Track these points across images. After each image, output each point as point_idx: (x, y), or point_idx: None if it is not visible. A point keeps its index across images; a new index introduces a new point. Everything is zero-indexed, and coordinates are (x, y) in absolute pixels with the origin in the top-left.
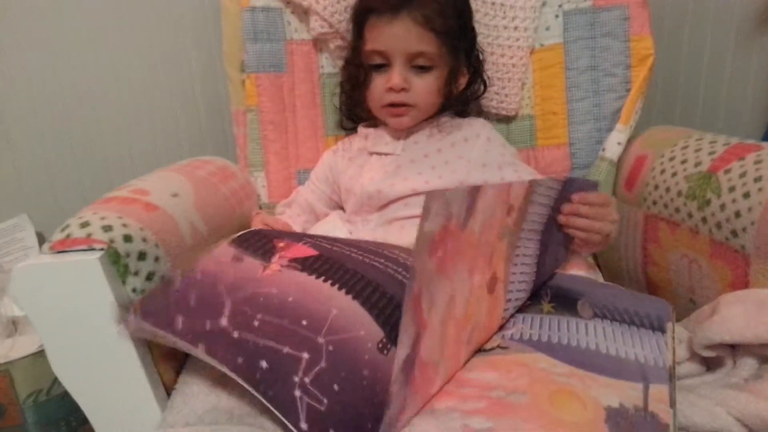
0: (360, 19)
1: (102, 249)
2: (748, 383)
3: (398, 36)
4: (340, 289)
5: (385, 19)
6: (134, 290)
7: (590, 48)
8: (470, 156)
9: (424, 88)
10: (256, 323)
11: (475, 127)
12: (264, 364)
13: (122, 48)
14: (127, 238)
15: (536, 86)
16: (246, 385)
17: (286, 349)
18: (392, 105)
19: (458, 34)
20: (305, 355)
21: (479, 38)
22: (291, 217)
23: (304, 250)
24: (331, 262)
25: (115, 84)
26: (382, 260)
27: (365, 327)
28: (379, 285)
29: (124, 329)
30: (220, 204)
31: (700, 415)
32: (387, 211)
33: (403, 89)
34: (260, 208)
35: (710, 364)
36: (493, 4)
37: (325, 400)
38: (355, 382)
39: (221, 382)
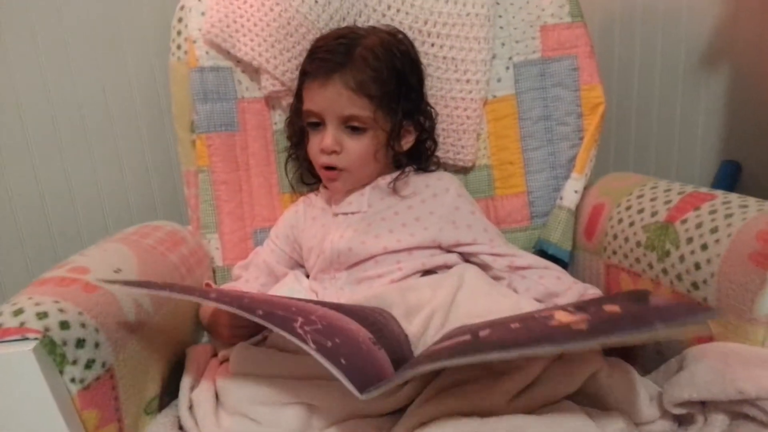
0: (300, 80)
1: (36, 338)
2: None
3: (330, 99)
4: (323, 306)
5: (319, 81)
6: (73, 380)
7: (542, 98)
8: (441, 212)
9: (357, 150)
10: (246, 300)
11: (444, 182)
12: (260, 311)
13: (67, 106)
14: (64, 325)
15: (491, 137)
16: (245, 314)
17: (279, 312)
18: (326, 168)
19: (397, 96)
20: (300, 319)
21: (432, 91)
22: (248, 281)
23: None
24: (304, 302)
25: (59, 145)
26: (360, 307)
27: (354, 324)
28: (356, 313)
29: None
30: (168, 275)
31: None
32: (356, 270)
33: (333, 152)
34: (214, 272)
35: (681, 420)
36: (444, 58)
37: (329, 343)
38: (355, 347)
39: None
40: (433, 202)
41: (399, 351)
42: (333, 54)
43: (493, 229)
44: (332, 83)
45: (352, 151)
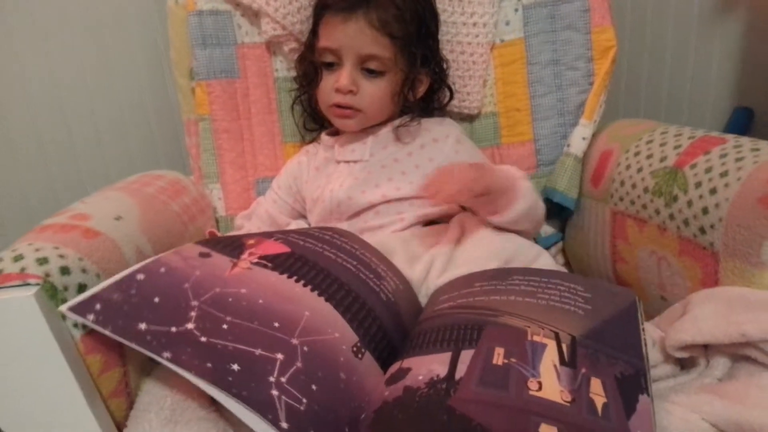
0: (317, 14)
1: (37, 284)
2: (722, 383)
3: (350, 36)
4: (313, 290)
5: (340, 17)
6: (75, 325)
7: (551, 42)
8: (440, 159)
9: (373, 93)
10: (224, 326)
11: (444, 127)
12: (236, 366)
13: (64, 56)
14: (65, 270)
15: (498, 83)
16: (216, 390)
17: (258, 351)
18: (339, 106)
19: (417, 40)
20: (279, 356)
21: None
22: (250, 230)
23: (275, 247)
24: (303, 260)
25: (58, 95)
26: (355, 263)
27: (339, 329)
28: (352, 289)
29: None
30: (169, 223)
31: (675, 424)
32: (357, 221)
33: (350, 91)
34: (217, 221)
35: (684, 363)
36: (450, 0)
37: (305, 400)
38: (333, 384)
39: (175, 417)
40: (433, 148)
41: (397, 326)
42: None
43: None
44: (355, 19)
45: (368, 94)
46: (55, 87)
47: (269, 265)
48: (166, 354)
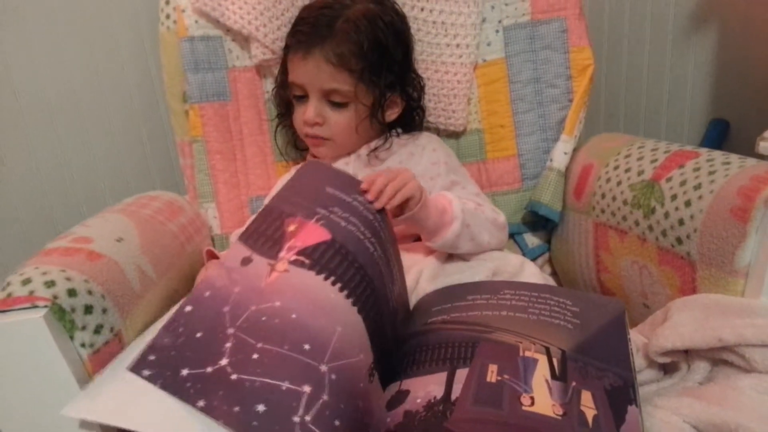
0: (285, 51)
1: (46, 306)
2: (702, 387)
3: (310, 72)
4: (348, 297)
5: (300, 54)
6: (83, 345)
7: (532, 61)
8: (417, 170)
9: (339, 123)
10: (255, 356)
11: (421, 140)
12: (261, 407)
13: (57, 79)
14: (72, 293)
15: (482, 101)
16: None
17: (285, 385)
18: (309, 136)
19: (379, 69)
20: (306, 389)
21: (422, 56)
22: None
23: (315, 233)
24: (343, 252)
25: (51, 118)
26: (385, 258)
27: (364, 350)
28: (378, 299)
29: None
30: (168, 243)
31: (658, 426)
32: None
33: (316, 123)
34: (212, 240)
35: (667, 368)
36: (434, 23)
37: None
38: (353, 416)
39: None
40: (410, 162)
41: (394, 335)
42: (314, 27)
43: (471, 184)
44: (312, 57)
45: (335, 124)
46: (48, 109)
47: (307, 262)
48: (201, 403)
